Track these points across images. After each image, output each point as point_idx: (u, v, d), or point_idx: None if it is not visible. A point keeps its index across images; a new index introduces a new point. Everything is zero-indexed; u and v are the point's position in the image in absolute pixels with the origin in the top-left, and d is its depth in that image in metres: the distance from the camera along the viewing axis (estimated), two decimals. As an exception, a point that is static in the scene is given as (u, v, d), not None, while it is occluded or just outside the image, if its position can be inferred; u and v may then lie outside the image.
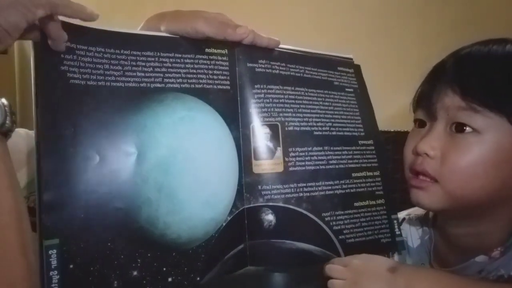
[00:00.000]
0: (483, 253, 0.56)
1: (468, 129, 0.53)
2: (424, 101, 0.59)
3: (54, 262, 0.42)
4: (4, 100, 0.39)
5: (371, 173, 0.62)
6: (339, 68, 0.65)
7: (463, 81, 0.55)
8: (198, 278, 0.51)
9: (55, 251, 0.42)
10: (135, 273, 0.47)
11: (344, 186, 0.59)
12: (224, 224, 0.54)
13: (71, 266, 0.44)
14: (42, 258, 0.42)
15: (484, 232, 0.58)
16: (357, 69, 0.67)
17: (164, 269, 0.49)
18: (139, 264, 0.48)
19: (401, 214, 0.70)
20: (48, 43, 0.44)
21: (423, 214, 0.69)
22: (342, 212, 0.58)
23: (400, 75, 1.11)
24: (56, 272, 0.42)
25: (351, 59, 0.69)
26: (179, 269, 0.50)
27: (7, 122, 0.39)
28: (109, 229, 0.46)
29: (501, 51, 0.57)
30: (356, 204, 0.60)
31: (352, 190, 0.60)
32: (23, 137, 0.44)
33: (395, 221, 0.62)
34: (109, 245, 0.46)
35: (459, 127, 0.54)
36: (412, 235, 0.68)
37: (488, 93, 0.53)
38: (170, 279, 0.49)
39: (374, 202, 0.61)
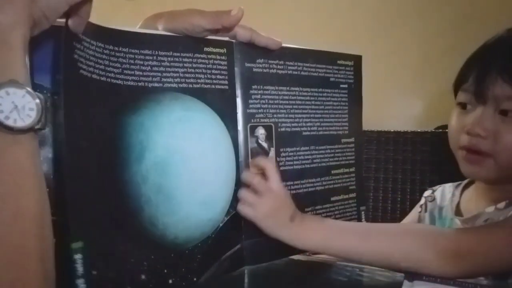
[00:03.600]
0: (493, 205, 0.66)
1: None
2: (473, 87, 0.65)
3: (80, 269, 0.39)
4: (41, 95, 0.35)
5: (347, 170, 0.66)
6: (338, 62, 0.65)
7: None
8: (195, 279, 0.51)
9: (80, 255, 0.39)
10: (143, 276, 0.47)
11: (324, 183, 0.63)
12: (221, 225, 0.54)
13: (94, 272, 0.41)
14: (67, 264, 0.38)
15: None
16: (357, 60, 0.67)
17: (165, 270, 0.49)
18: (145, 267, 0.47)
19: (436, 187, 0.83)
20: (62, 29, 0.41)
21: (457, 183, 0.80)
22: (321, 207, 0.62)
23: (400, 75, 1.11)
24: (82, 280, 0.39)
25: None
26: (177, 270, 0.50)
27: (42, 119, 0.35)
28: (120, 230, 0.45)
29: None
30: (332, 198, 0.64)
31: (330, 186, 0.64)
32: None
33: (362, 212, 0.68)
34: (121, 248, 0.45)
35: (505, 112, 0.62)
36: (442, 198, 0.80)
37: None
38: (170, 281, 0.49)
39: (347, 196, 0.66)
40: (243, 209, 0.54)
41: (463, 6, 1.06)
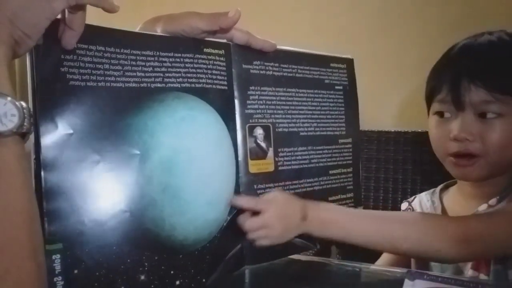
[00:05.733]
0: (484, 203, 0.68)
1: (492, 114, 0.66)
2: (450, 97, 0.68)
3: (58, 267, 0.42)
4: (23, 103, 0.38)
5: (345, 170, 0.67)
6: (331, 65, 0.66)
7: (483, 76, 0.65)
8: (204, 280, 0.51)
9: (58, 256, 0.42)
10: (142, 277, 0.47)
11: (322, 183, 0.64)
12: (224, 224, 0.54)
13: (75, 271, 0.43)
14: (46, 264, 0.40)
15: (497, 182, 0.70)
16: (349, 63, 0.69)
17: (172, 272, 0.49)
18: (146, 268, 0.47)
19: (411, 198, 0.85)
20: (48, 44, 0.43)
21: (431, 191, 0.82)
22: None
23: (401, 75, 1.11)
24: (60, 277, 0.42)
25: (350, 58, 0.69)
26: (186, 271, 0.50)
27: (25, 124, 0.38)
28: (114, 232, 0.45)
29: (499, 41, 0.68)
30: (330, 198, 0.65)
31: (327, 186, 0.64)
32: None
33: None
34: (115, 249, 0.45)
35: (484, 114, 0.66)
36: (423, 206, 0.80)
37: (507, 83, 0.65)
38: (178, 282, 0.49)
39: (344, 196, 0.66)
40: (259, 243, 0.54)
41: (463, 6, 1.06)
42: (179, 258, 0.49)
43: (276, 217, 0.54)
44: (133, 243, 0.46)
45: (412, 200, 0.83)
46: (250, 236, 0.54)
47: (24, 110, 0.38)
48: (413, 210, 0.82)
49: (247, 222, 0.54)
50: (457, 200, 0.77)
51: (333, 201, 0.65)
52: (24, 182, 0.37)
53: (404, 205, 0.85)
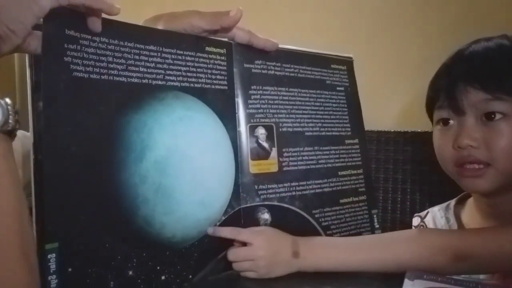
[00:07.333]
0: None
1: (498, 115, 0.61)
2: (447, 102, 0.64)
3: (52, 267, 0.42)
4: (7, 100, 0.38)
5: (355, 171, 0.66)
6: (332, 66, 0.66)
7: (480, 77, 0.61)
8: (190, 276, 0.52)
9: (54, 255, 0.42)
10: (130, 272, 0.47)
11: (331, 184, 0.63)
12: (218, 224, 0.54)
13: (69, 269, 0.43)
14: (41, 263, 0.40)
15: None
16: (349, 65, 0.69)
17: (158, 268, 0.49)
18: (134, 264, 0.47)
19: (423, 213, 0.79)
20: (50, 32, 0.42)
21: (445, 206, 0.76)
22: (330, 209, 0.62)
23: (400, 75, 1.10)
24: (54, 276, 0.42)
25: (351, 58, 0.69)
26: (172, 267, 0.50)
27: (10, 121, 0.37)
28: (108, 230, 0.45)
29: (496, 45, 0.65)
30: (341, 201, 0.63)
31: (338, 188, 0.63)
32: (19, 138, 0.42)
33: (374, 216, 0.66)
34: (107, 246, 0.45)
35: (489, 116, 0.61)
36: (437, 224, 0.75)
37: (506, 82, 0.61)
38: (163, 277, 0.49)
39: (357, 199, 0.65)
40: (245, 275, 0.54)
41: (463, 6, 1.05)
42: (166, 254, 0.50)
43: (263, 250, 0.53)
44: (124, 240, 0.47)
45: (425, 216, 0.78)
46: (235, 268, 0.53)
47: (9, 107, 0.37)
48: (426, 227, 0.76)
49: (231, 251, 0.53)
50: (476, 218, 0.71)
51: (345, 204, 0.64)
52: (12, 181, 0.37)
53: (416, 221, 0.79)
